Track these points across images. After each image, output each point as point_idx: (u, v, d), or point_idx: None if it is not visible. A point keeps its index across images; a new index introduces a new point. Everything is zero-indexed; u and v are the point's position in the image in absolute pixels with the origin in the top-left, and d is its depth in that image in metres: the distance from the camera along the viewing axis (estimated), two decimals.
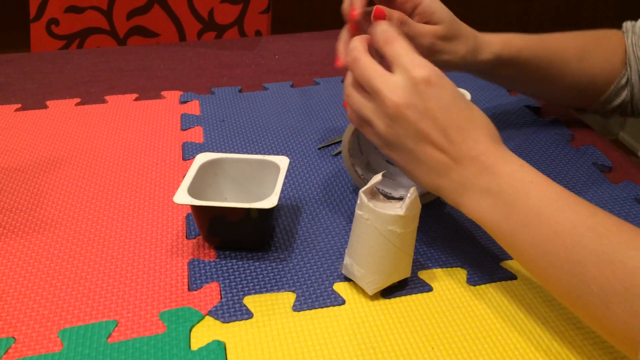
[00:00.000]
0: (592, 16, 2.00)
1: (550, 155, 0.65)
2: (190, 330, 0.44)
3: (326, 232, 0.54)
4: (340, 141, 0.65)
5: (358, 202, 0.45)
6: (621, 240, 0.37)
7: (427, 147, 0.44)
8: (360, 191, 0.45)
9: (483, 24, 2.05)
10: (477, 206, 0.43)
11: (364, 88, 0.46)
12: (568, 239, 0.39)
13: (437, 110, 0.43)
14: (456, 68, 0.58)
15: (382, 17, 0.49)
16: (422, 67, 0.43)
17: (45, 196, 0.60)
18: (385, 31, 0.46)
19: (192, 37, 1.23)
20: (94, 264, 0.51)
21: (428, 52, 0.55)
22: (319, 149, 0.62)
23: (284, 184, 0.61)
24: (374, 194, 0.46)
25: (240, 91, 0.82)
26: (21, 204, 0.59)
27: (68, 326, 0.45)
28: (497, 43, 0.60)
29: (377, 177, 0.46)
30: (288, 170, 0.63)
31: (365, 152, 0.58)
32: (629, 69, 0.63)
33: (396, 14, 0.51)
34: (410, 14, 0.55)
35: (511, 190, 0.42)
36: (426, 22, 0.55)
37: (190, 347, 0.43)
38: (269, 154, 0.66)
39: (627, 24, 0.67)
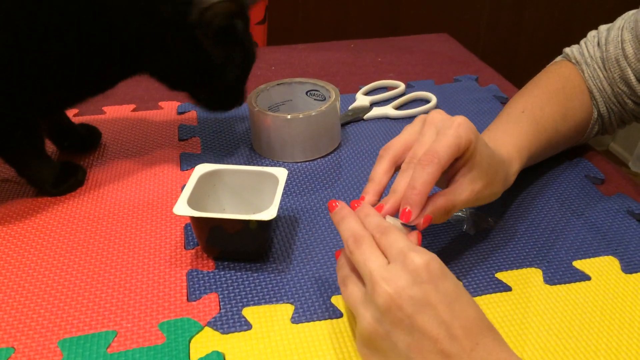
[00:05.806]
0: (583, 25, 2.02)
1: (543, 168, 0.66)
2: (189, 341, 0.44)
3: (324, 243, 0.55)
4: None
5: None
6: None
7: (424, 347, 0.37)
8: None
9: (475, 34, 2.05)
10: None
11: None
12: None
13: (438, 303, 0.37)
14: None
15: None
16: (420, 254, 0.39)
17: (43, 207, 0.60)
18: (379, 224, 0.42)
19: None
20: (94, 274, 0.51)
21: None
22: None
23: (282, 195, 0.62)
24: None
25: None
26: (19, 214, 0.59)
27: (68, 336, 0.45)
28: (515, 160, 0.55)
29: None
30: (286, 182, 0.64)
31: None
32: (595, 102, 0.65)
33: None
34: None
35: None
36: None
37: (189, 358, 0.43)
38: (267, 166, 0.67)
39: (573, 52, 0.67)
